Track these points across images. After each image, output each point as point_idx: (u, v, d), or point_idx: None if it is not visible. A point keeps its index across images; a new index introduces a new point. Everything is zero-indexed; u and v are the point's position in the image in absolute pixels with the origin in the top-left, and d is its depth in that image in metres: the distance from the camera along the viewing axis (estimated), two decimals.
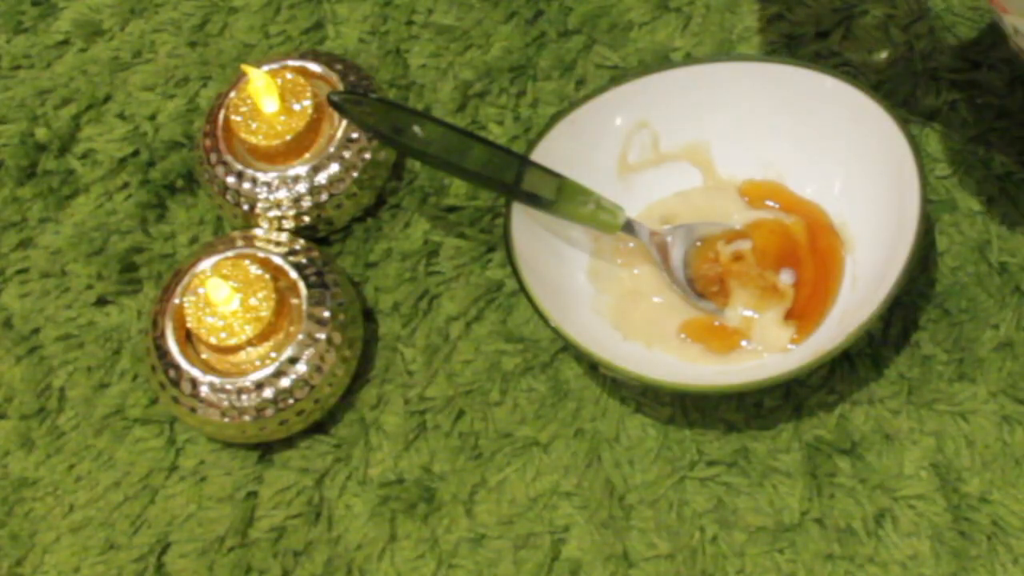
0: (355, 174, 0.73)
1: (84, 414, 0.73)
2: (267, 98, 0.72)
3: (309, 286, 0.69)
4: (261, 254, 0.70)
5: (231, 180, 0.73)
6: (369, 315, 0.73)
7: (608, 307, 0.70)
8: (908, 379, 0.67)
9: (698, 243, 0.70)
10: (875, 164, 0.67)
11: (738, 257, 0.70)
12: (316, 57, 0.76)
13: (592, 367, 0.69)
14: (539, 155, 0.69)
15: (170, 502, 0.70)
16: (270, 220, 0.73)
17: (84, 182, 0.79)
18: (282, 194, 0.72)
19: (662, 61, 0.76)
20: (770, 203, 0.71)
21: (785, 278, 0.69)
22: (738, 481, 0.66)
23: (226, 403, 0.67)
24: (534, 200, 0.67)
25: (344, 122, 0.73)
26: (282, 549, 0.68)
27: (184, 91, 0.81)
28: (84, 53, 0.84)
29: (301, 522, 0.69)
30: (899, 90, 0.74)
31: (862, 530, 0.64)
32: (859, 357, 0.68)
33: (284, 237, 0.72)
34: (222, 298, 0.67)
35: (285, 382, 0.67)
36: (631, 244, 0.71)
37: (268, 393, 0.67)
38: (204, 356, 0.69)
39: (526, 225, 0.68)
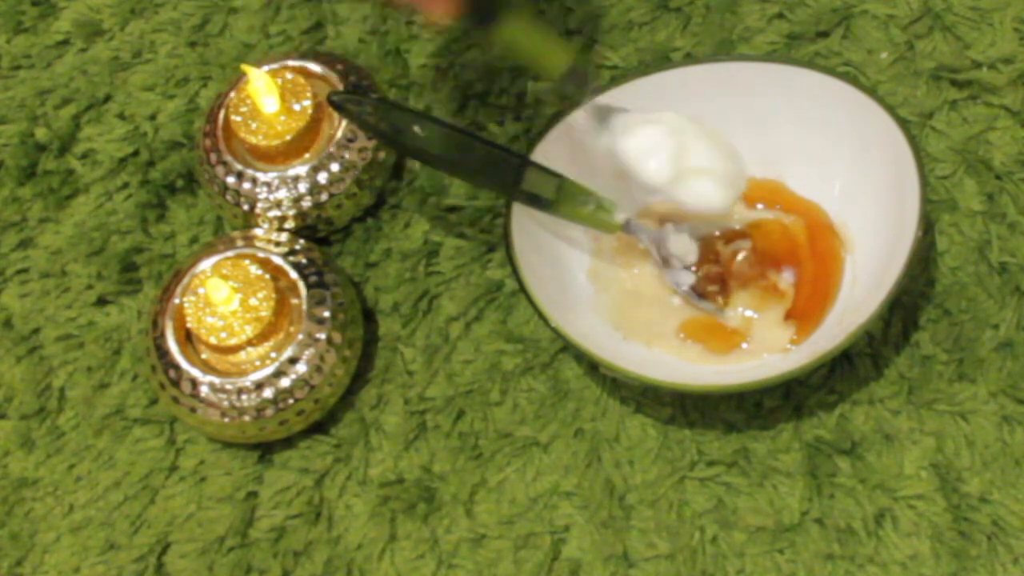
0: (355, 174, 0.73)
1: (84, 414, 0.73)
2: (267, 98, 0.72)
3: (309, 286, 0.69)
4: (261, 254, 0.70)
5: (231, 180, 0.73)
6: (369, 315, 0.73)
7: (608, 307, 0.70)
8: (908, 379, 0.67)
9: (698, 243, 0.70)
10: (875, 164, 0.67)
11: (738, 257, 0.70)
12: (316, 57, 0.76)
13: (592, 367, 0.69)
14: (539, 155, 0.69)
15: (170, 502, 0.70)
16: (270, 220, 0.73)
17: (84, 182, 0.79)
18: (282, 194, 0.72)
19: (662, 61, 0.76)
20: (770, 203, 0.71)
21: (785, 278, 0.69)
22: (738, 481, 0.66)
23: (226, 403, 0.67)
24: (534, 200, 0.67)
25: (344, 122, 0.73)
26: (282, 549, 0.68)
27: (184, 91, 0.81)
28: (84, 53, 0.84)
29: (301, 522, 0.69)
30: (899, 90, 0.74)
31: (862, 530, 0.64)
32: (859, 357, 0.68)
33: (284, 237, 0.72)
34: (222, 298, 0.67)
35: (285, 382, 0.67)
36: (631, 244, 0.71)
37: (268, 393, 0.67)
38: (204, 356, 0.69)
39: (526, 225, 0.68)
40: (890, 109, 0.66)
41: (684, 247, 0.70)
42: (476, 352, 0.71)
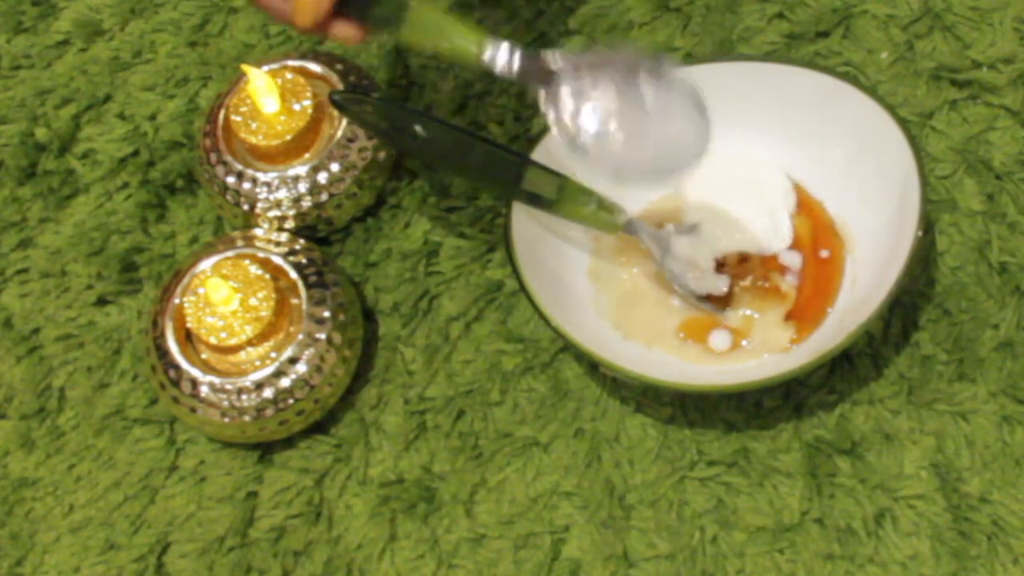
0: (355, 174, 0.73)
1: (84, 414, 0.73)
2: (267, 98, 0.72)
3: (309, 286, 0.69)
4: (261, 254, 0.70)
5: (231, 180, 0.73)
6: (369, 315, 0.73)
7: (608, 307, 0.70)
8: (908, 379, 0.67)
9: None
10: (875, 164, 0.67)
11: (741, 258, 0.70)
12: (316, 57, 0.76)
13: (592, 367, 0.69)
14: (539, 155, 0.69)
15: (170, 502, 0.70)
16: (270, 220, 0.73)
17: (84, 182, 0.79)
18: (282, 194, 0.72)
19: None
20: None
21: (787, 279, 0.69)
22: (738, 481, 0.66)
23: (226, 403, 0.67)
24: (535, 200, 0.67)
25: (344, 122, 0.73)
26: (282, 549, 0.68)
27: (184, 91, 0.81)
28: (84, 53, 0.84)
29: (301, 522, 0.69)
30: (899, 90, 0.74)
31: (862, 530, 0.64)
32: (859, 357, 0.68)
33: (284, 237, 0.72)
34: (222, 298, 0.67)
35: (285, 382, 0.67)
36: (631, 244, 0.70)
37: (268, 393, 0.67)
38: (204, 356, 0.69)
39: (526, 225, 0.68)
40: (890, 109, 0.66)
41: (694, 249, 0.69)
42: (476, 352, 0.71)
